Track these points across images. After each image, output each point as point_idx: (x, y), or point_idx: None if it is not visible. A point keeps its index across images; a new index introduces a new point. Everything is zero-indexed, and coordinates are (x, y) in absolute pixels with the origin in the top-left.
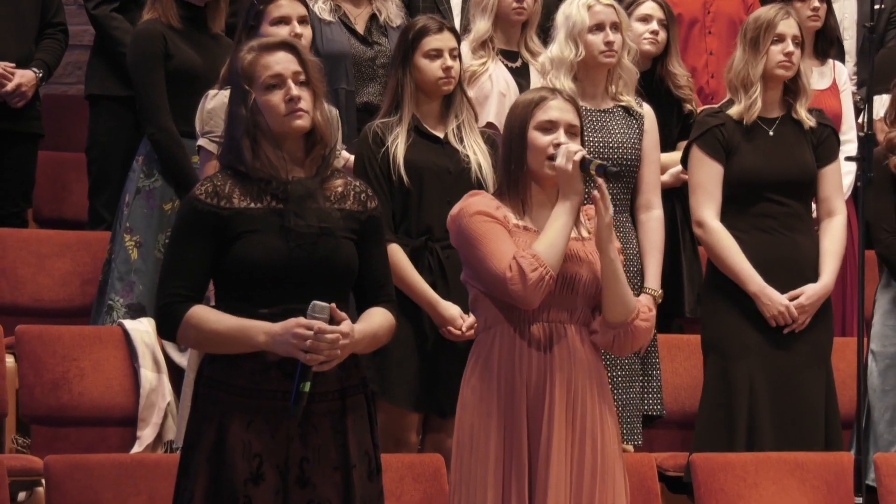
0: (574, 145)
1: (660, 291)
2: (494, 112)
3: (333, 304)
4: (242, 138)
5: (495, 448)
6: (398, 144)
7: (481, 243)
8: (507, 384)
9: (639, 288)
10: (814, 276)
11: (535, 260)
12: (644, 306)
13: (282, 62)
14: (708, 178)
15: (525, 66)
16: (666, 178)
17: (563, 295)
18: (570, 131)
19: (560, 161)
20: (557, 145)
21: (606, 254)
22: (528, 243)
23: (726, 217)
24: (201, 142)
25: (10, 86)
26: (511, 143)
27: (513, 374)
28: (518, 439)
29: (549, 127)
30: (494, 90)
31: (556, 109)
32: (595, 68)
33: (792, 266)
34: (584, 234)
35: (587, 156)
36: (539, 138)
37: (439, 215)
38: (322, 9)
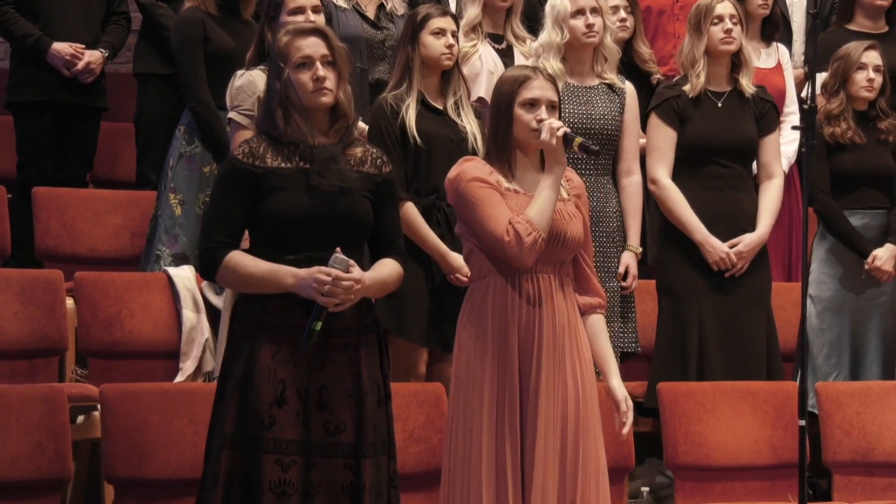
0: (556, 122)
1: (640, 249)
2: (484, 88)
3: (352, 262)
4: (276, 108)
5: (489, 382)
6: (410, 113)
7: (480, 207)
8: (500, 328)
9: (620, 244)
10: (751, 230)
11: (529, 225)
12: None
13: (312, 46)
14: (663, 142)
15: (510, 48)
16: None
17: (553, 251)
18: (550, 106)
19: (544, 136)
20: (540, 121)
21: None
22: (518, 205)
23: (678, 177)
24: (231, 114)
25: (80, 64)
26: (498, 116)
27: (505, 320)
28: (510, 374)
29: (532, 103)
30: (484, 69)
31: (539, 88)
32: (580, 49)
33: (733, 220)
34: (564, 195)
35: (569, 132)
36: (524, 114)
37: (445, 178)
38: None
